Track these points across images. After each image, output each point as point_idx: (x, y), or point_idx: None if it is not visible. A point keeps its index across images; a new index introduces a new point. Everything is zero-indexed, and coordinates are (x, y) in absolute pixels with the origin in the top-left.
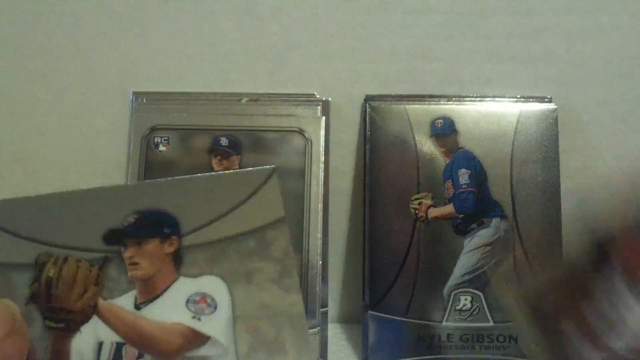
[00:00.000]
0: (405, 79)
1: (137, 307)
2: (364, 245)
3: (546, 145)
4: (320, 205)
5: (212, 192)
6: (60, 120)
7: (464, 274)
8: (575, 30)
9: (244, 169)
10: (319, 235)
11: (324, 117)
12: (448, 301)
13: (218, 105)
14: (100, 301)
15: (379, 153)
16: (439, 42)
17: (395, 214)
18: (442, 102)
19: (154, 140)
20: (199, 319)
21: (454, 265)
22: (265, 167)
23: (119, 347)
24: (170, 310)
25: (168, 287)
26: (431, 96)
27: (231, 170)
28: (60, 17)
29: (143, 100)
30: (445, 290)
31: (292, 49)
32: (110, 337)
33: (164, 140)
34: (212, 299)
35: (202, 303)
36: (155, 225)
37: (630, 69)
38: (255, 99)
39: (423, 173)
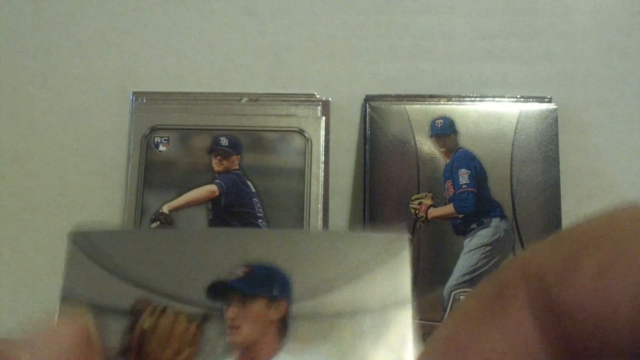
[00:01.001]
0: (405, 79)
1: None
2: None
3: (546, 145)
4: (320, 205)
5: (334, 253)
6: (60, 120)
7: (464, 274)
8: (575, 30)
9: (375, 233)
10: None
11: (324, 117)
12: (448, 301)
13: (218, 105)
14: None
15: (379, 153)
16: (439, 42)
17: (395, 214)
18: (442, 102)
19: (154, 140)
20: None
21: (454, 265)
22: (399, 234)
23: None
24: None
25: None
26: (431, 96)
27: (360, 232)
28: (60, 17)
29: (143, 100)
30: (445, 291)
31: (292, 49)
32: None
33: (164, 140)
34: None
35: None
36: (265, 283)
37: (630, 69)
38: (255, 99)
39: (423, 173)
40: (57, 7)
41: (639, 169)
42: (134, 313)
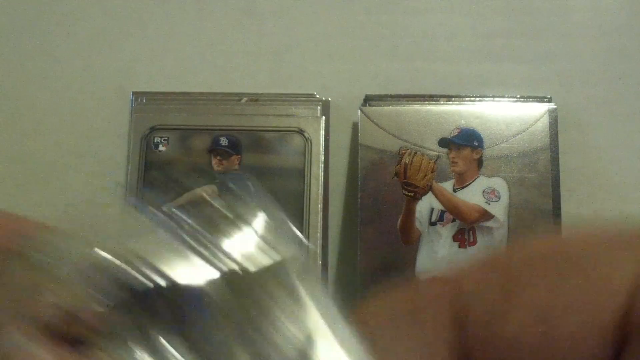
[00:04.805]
0: (405, 79)
1: (454, 190)
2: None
3: (546, 145)
4: (320, 205)
5: (505, 121)
6: (60, 120)
7: None
8: (575, 30)
9: None
10: (319, 235)
11: (323, 117)
12: None
13: (218, 105)
14: (434, 183)
15: None
16: (439, 42)
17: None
18: (442, 102)
19: (153, 140)
20: (489, 204)
21: None
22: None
23: (442, 212)
24: (473, 196)
25: (473, 181)
26: (431, 96)
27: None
28: (60, 17)
29: (143, 100)
30: None
31: (292, 49)
32: (438, 205)
33: (164, 140)
34: (498, 192)
35: (492, 194)
36: (469, 139)
37: (630, 69)
38: (255, 99)
39: None
40: (57, 7)
41: (639, 169)
42: (400, 154)
